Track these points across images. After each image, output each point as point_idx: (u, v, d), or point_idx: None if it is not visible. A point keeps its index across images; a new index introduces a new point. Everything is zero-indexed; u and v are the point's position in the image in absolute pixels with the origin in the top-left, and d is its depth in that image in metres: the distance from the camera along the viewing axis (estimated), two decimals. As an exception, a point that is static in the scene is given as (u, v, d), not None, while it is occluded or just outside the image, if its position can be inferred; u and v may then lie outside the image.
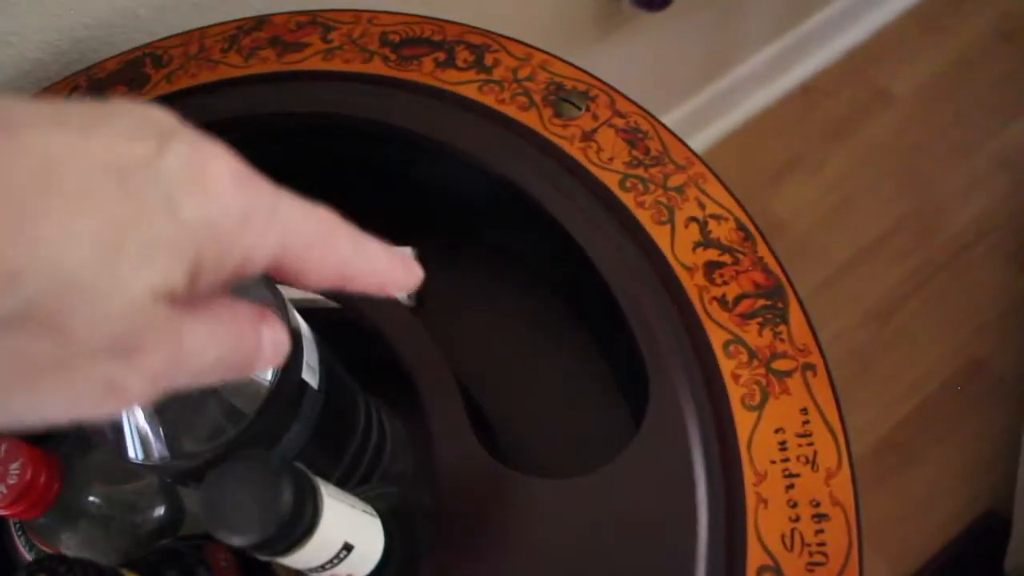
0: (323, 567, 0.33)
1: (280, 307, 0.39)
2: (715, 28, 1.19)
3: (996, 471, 1.11)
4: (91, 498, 0.45)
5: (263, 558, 0.31)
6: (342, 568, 0.34)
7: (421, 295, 0.53)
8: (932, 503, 1.11)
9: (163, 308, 0.21)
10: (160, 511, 0.48)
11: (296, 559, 0.31)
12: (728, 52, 1.28)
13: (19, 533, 0.46)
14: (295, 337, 0.39)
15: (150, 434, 0.36)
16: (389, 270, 0.28)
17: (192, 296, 0.22)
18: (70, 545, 0.45)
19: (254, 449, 0.33)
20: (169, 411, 0.36)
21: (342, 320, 0.46)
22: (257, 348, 0.25)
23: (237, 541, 0.29)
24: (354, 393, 0.46)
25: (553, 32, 0.94)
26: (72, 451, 0.45)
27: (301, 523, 0.30)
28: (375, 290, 0.28)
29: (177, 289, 0.21)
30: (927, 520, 1.10)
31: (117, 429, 0.37)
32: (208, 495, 0.30)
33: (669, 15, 0.96)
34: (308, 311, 0.41)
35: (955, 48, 1.44)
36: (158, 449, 0.36)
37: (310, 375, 0.40)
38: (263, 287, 0.39)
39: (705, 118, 1.32)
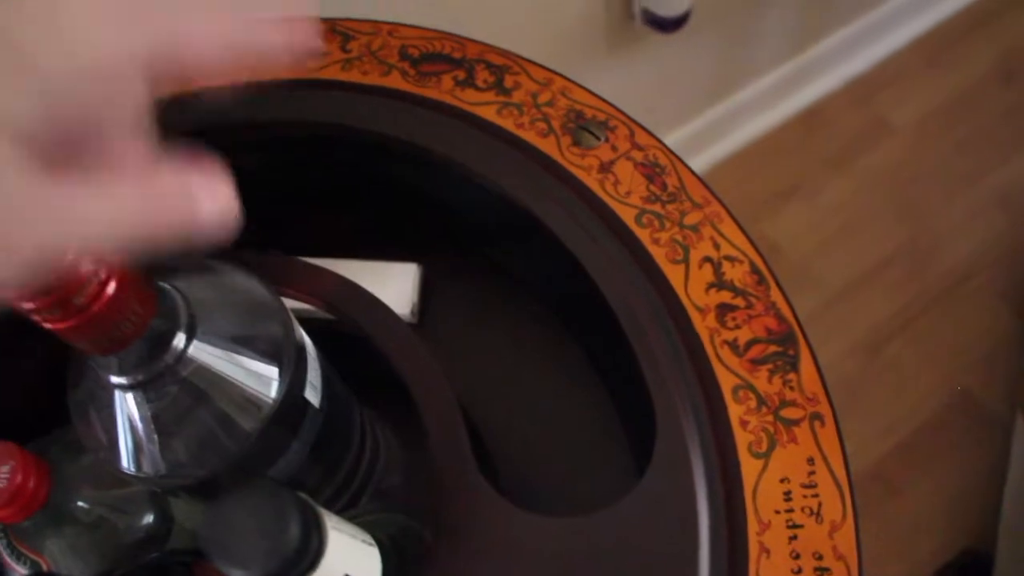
0: (322, 598, 0.33)
1: (285, 320, 0.38)
2: (722, 52, 1.20)
3: (980, 506, 1.12)
4: (79, 503, 0.45)
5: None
6: (340, 599, 0.34)
7: (423, 311, 0.53)
8: (916, 536, 1.12)
9: (18, 164, 0.18)
10: (148, 519, 0.47)
11: (297, 591, 0.31)
12: (733, 76, 1.29)
13: (1, 536, 0.46)
14: (300, 354, 0.38)
15: (145, 446, 0.36)
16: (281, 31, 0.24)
17: (67, 146, 0.19)
18: (54, 551, 0.44)
19: (261, 477, 0.33)
20: (166, 423, 0.35)
21: (337, 331, 0.45)
22: (188, 208, 0.23)
23: (237, 574, 0.29)
24: (351, 408, 0.46)
25: (564, 45, 0.95)
26: (62, 454, 0.45)
27: (306, 558, 0.30)
28: (276, 51, 0.24)
29: (29, 131, 0.18)
30: (911, 553, 1.11)
31: (111, 439, 0.36)
32: (211, 523, 0.29)
33: (678, 37, 0.96)
34: (304, 321, 0.40)
35: (957, 82, 1.45)
36: (153, 463, 0.36)
37: (312, 393, 0.40)
38: (265, 293, 0.38)
39: (707, 139, 1.33)
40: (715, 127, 1.33)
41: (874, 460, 1.17)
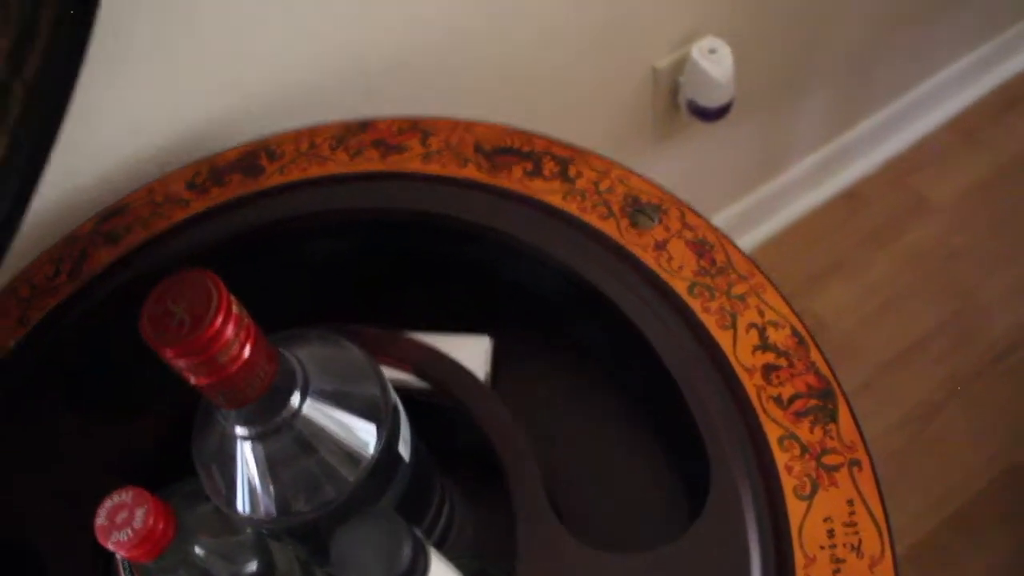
0: (422, 620, 0.38)
1: (382, 383, 0.44)
2: (764, 138, 1.25)
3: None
4: (196, 548, 0.50)
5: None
6: (437, 623, 0.39)
7: (495, 379, 0.59)
8: (970, 607, 1.12)
9: None
10: (254, 566, 0.53)
11: (402, 609, 0.36)
12: (775, 159, 1.34)
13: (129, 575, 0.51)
14: (394, 412, 0.44)
15: (259, 491, 0.41)
16: None
17: None
18: (173, 592, 0.50)
19: (379, 507, 0.38)
20: (278, 471, 0.41)
21: (421, 405, 0.51)
22: None
23: (359, 585, 0.34)
24: (431, 465, 0.51)
25: (618, 135, 1.01)
26: (181, 504, 0.50)
27: (414, 575, 0.35)
28: None
29: None
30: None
31: (230, 485, 0.41)
32: (338, 543, 0.35)
33: (722, 124, 1.02)
34: (399, 391, 0.46)
35: (994, 159, 1.49)
36: (265, 505, 0.41)
37: (404, 448, 0.45)
38: (364, 359, 0.44)
39: (752, 219, 1.38)
40: (760, 208, 1.38)
41: (927, 532, 1.18)
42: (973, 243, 1.41)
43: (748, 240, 1.39)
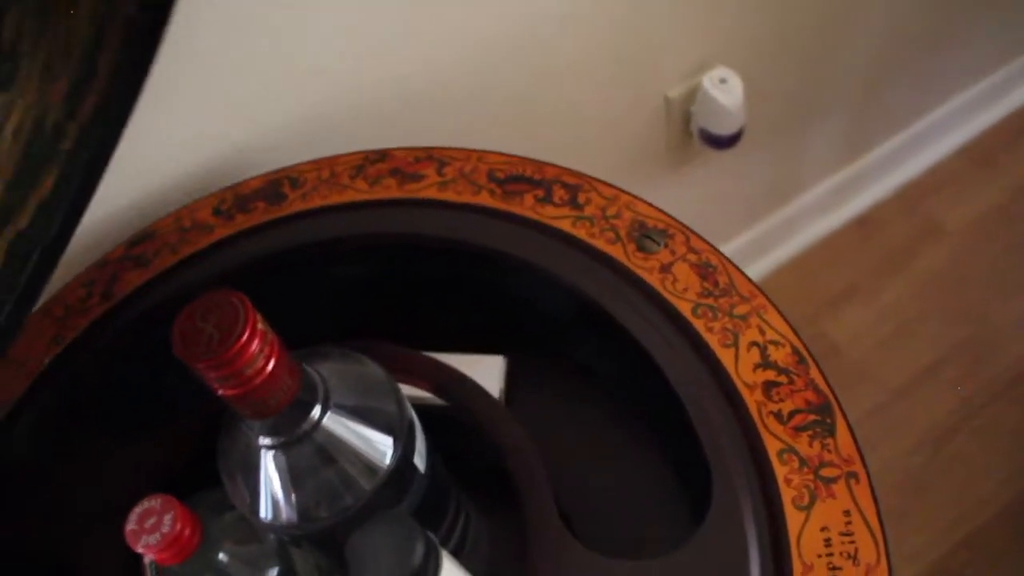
0: (434, 621, 0.40)
1: (399, 398, 0.46)
2: (777, 164, 1.27)
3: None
4: (220, 555, 0.52)
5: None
6: (447, 624, 0.41)
7: (509, 396, 0.61)
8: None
9: None
10: (275, 573, 0.55)
11: (416, 608, 0.38)
12: (788, 185, 1.35)
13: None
14: (410, 426, 0.46)
15: (281, 499, 0.43)
16: None
17: None
18: (198, 596, 0.52)
19: (394, 511, 0.40)
20: (299, 479, 0.42)
21: (439, 420, 0.53)
22: None
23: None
24: (449, 482, 0.53)
25: (631, 163, 1.04)
26: (207, 512, 0.52)
27: (426, 574, 0.37)
28: None
29: None
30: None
31: (254, 492, 0.44)
32: (353, 543, 0.37)
33: (735, 152, 1.04)
34: (417, 407, 0.48)
35: (1007, 185, 1.50)
36: (287, 512, 0.43)
37: (419, 460, 0.47)
38: (382, 375, 0.46)
39: (766, 245, 1.40)
40: (774, 233, 1.39)
41: (941, 555, 1.18)
42: (987, 268, 1.42)
43: (763, 265, 1.41)
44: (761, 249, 1.39)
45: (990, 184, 1.50)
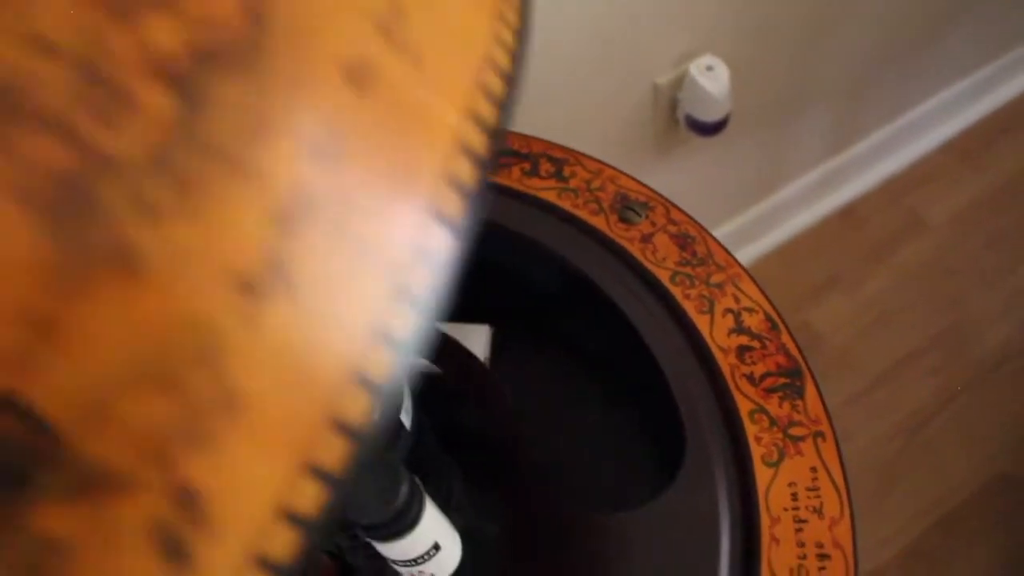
0: (415, 561, 0.42)
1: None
2: (763, 153, 1.29)
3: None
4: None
5: (374, 542, 0.40)
6: (428, 566, 0.43)
7: (494, 363, 0.63)
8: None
9: None
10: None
11: (396, 547, 0.40)
12: (773, 175, 1.38)
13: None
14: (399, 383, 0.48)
15: None
16: None
17: None
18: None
19: (386, 454, 0.42)
20: None
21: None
22: None
23: (360, 520, 0.38)
24: (434, 444, 0.55)
25: (620, 150, 1.06)
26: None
27: (409, 516, 0.39)
28: None
29: None
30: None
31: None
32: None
33: (720, 140, 1.06)
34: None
35: (989, 181, 1.53)
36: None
37: (405, 417, 0.49)
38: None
39: (750, 234, 1.42)
40: (759, 222, 1.41)
41: (915, 537, 1.21)
42: (967, 260, 1.44)
43: (748, 253, 1.43)
44: (746, 237, 1.42)
45: (971, 180, 1.53)
